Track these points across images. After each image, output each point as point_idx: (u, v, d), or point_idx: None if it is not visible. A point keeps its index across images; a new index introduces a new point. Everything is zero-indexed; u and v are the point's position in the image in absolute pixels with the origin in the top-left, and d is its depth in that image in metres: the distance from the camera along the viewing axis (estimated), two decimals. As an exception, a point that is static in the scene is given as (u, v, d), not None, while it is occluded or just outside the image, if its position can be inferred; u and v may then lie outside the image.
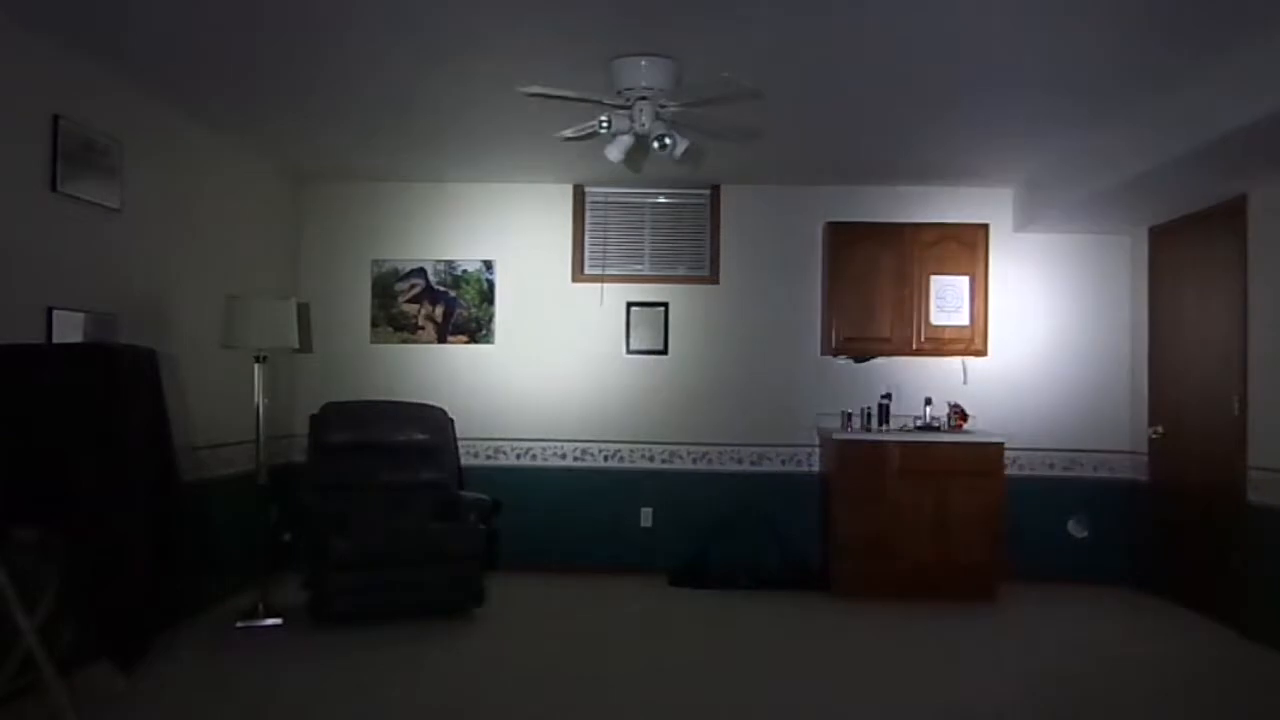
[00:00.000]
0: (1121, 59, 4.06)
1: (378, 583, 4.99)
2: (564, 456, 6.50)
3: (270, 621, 4.95)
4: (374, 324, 6.55)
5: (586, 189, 6.55)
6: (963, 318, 6.03)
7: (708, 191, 6.52)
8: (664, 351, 6.49)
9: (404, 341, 6.54)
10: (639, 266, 6.55)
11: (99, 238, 4.35)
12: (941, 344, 6.08)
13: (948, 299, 6.04)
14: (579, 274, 6.54)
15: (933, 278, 6.04)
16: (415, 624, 4.98)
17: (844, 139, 5.36)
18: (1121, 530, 6.26)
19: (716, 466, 6.46)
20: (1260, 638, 4.83)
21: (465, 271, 6.54)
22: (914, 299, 6.05)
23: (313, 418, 5.69)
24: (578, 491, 6.45)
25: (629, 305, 6.50)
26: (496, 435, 6.50)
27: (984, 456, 5.75)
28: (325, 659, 4.43)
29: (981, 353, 6.10)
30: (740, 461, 6.46)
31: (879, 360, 6.32)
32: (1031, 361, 6.37)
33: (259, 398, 5.10)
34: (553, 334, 6.53)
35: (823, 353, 6.35)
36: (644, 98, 4.01)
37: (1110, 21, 3.65)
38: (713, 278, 6.51)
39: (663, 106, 4.09)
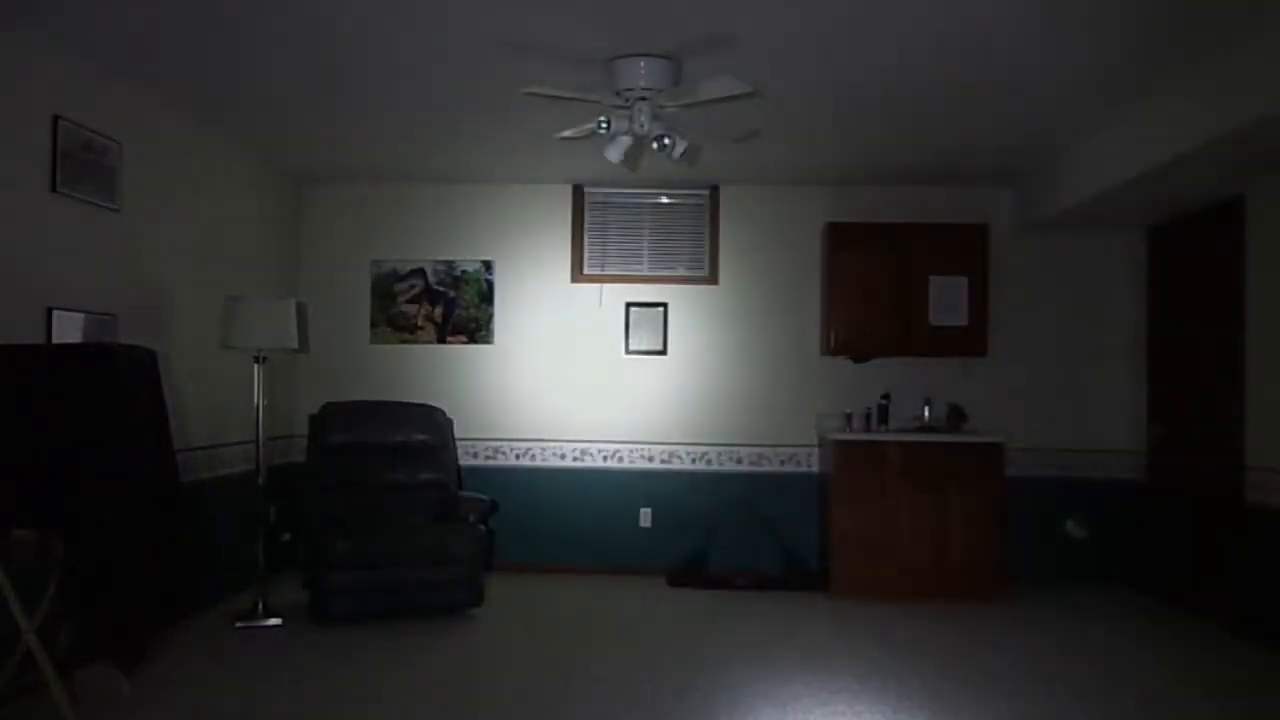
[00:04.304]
0: (1121, 59, 4.06)
1: (377, 583, 4.99)
2: (563, 457, 6.50)
3: (270, 621, 4.96)
4: (373, 324, 6.55)
5: (586, 189, 6.55)
6: (962, 318, 6.03)
7: (707, 191, 6.52)
8: (663, 352, 6.49)
9: (403, 342, 6.54)
10: (638, 267, 6.55)
11: (99, 238, 4.35)
12: (941, 344, 6.08)
13: (947, 299, 6.04)
14: (578, 274, 6.54)
15: (932, 278, 6.04)
16: (415, 624, 4.98)
17: (844, 139, 5.36)
18: (1121, 530, 6.26)
19: (716, 467, 6.46)
20: (1259, 637, 4.84)
21: (465, 272, 6.54)
22: (914, 299, 6.04)
23: (312, 418, 5.69)
24: (577, 492, 6.45)
25: (628, 305, 6.51)
26: (496, 435, 6.51)
27: (983, 457, 5.75)
28: (325, 659, 4.43)
29: (981, 353, 6.11)
30: (740, 461, 6.46)
31: (879, 360, 6.32)
32: (1031, 361, 6.37)
33: (258, 398, 5.11)
34: (552, 334, 6.53)
35: (823, 353, 6.36)
36: (643, 98, 4.01)
37: (1109, 22, 3.66)
38: (712, 278, 6.51)
39: (662, 107, 4.10)
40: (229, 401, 5.45)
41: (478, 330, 6.54)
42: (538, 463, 6.50)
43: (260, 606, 5.01)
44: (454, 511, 5.38)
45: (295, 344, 5.15)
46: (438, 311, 6.55)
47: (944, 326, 6.04)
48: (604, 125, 4.10)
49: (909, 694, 4.05)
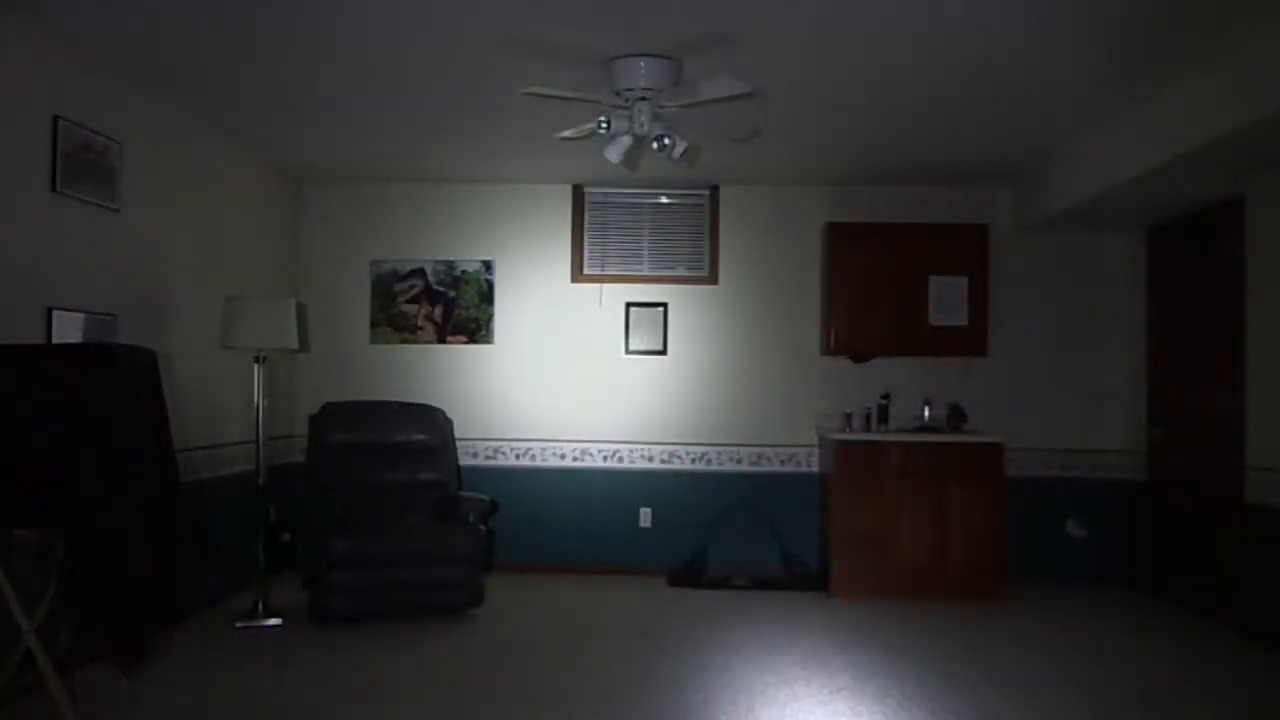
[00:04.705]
0: (1120, 60, 4.06)
1: (377, 583, 4.99)
2: (563, 457, 6.50)
3: (270, 621, 4.96)
4: (373, 324, 6.55)
5: (586, 189, 6.55)
6: (962, 318, 6.03)
7: (707, 192, 6.52)
8: (663, 352, 6.49)
9: (403, 342, 6.54)
10: (638, 267, 6.55)
11: (99, 238, 4.35)
12: (941, 344, 6.08)
13: (947, 299, 6.04)
14: (578, 274, 6.54)
15: (932, 278, 6.04)
16: (415, 624, 4.98)
17: (844, 139, 5.36)
18: (1121, 530, 6.26)
19: (716, 467, 6.46)
20: (1258, 637, 4.84)
21: (465, 272, 6.54)
22: (914, 299, 6.04)
23: (312, 418, 5.69)
24: (577, 492, 6.45)
25: (628, 305, 6.50)
26: (496, 435, 6.51)
27: (983, 457, 5.75)
28: (325, 659, 4.43)
29: (981, 353, 6.11)
30: (740, 461, 6.46)
31: (879, 360, 6.32)
32: (1031, 361, 6.37)
33: (258, 398, 5.11)
34: (552, 334, 6.53)
35: (823, 353, 6.36)
36: (643, 98, 4.01)
37: (1109, 22, 3.66)
38: (712, 278, 6.51)
39: (662, 107, 4.10)
40: (229, 401, 5.45)
41: (478, 330, 6.54)
42: (538, 463, 6.50)
43: (260, 606, 5.01)
44: (454, 511, 5.38)
45: (295, 344, 5.15)
46: (438, 311, 6.55)
47: (944, 326, 6.04)
48: (604, 125, 4.10)
49: (909, 694, 4.05)
